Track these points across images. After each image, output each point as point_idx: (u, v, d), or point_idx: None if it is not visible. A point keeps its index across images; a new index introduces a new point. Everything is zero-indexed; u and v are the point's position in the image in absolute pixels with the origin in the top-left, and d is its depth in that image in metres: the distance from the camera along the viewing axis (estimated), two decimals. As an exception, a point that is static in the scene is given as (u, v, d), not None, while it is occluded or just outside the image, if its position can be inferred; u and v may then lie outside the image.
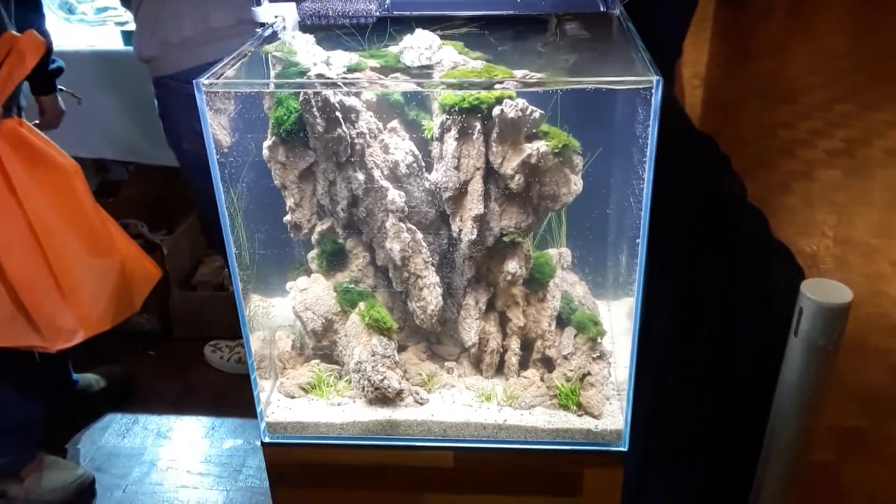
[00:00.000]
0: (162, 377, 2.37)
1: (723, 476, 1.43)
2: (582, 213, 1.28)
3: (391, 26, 1.27)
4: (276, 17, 1.30)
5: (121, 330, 2.42)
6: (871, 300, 2.61)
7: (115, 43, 2.46)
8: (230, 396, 2.23)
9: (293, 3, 1.33)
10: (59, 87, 1.91)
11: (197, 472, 1.99)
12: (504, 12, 1.37)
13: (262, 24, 1.30)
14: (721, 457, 1.41)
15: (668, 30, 2.87)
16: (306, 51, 1.14)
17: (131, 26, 2.17)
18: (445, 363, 1.31)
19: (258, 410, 1.25)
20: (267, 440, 1.26)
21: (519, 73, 1.06)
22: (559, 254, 1.32)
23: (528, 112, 1.06)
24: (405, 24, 1.24)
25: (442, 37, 1.20)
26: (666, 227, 1.42)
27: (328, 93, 1.08)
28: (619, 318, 1.37)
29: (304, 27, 1.32)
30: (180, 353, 2.47)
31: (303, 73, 1.09)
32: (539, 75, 1.06)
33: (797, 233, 3.05)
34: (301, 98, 1.09)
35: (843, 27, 5.74)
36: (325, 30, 1.30)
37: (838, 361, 1.99)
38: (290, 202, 1.20)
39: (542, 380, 1.26)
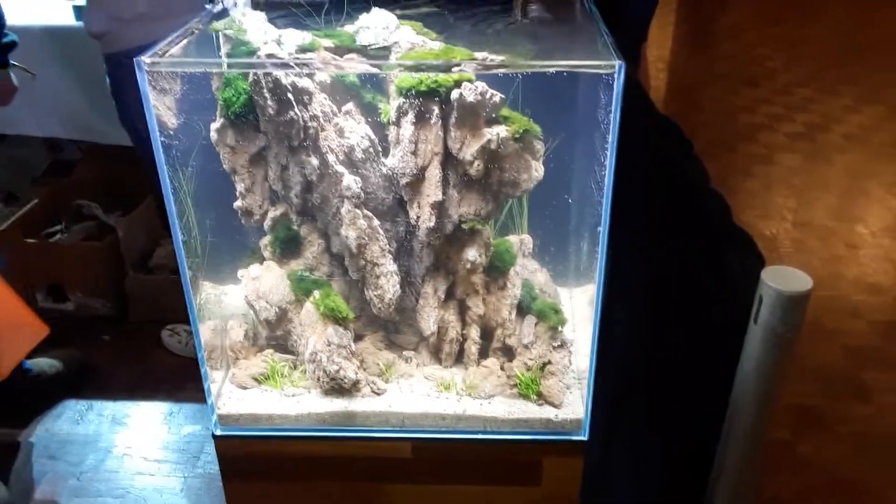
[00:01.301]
0: (118, 362, 2.31)
1: (684, 458, 1.43)
2: (544, 199, 1.26)
3: (348, 5, 1.22)
4: (225, -7, 1.24)
5: (76, 315, 2.35)
6: (828, 282, 2.65)
7: (66, 18, 2.36)
8: (188, 381, 2.18)
9: (245, -21, 1.28)
10: (12, 62, 1.82)
11: (154, 458, 1.94)
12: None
13: (213, 1, 1.25)
14: (683, 440, 1.41)
15: (635, 13, 2.86)
16: (257, 29, 1.09)
17: (82, 0, 2.09)
18: (404, 353, 1.28)
19: (209, 402, 1.21)
20: (219, 433, 1.22)
21: (479, 56, 1.03)
22: (520, 241, 1.30)
23: (487, 96, 1.03)
24: (362, 4, 1.19)
25: (400, 17, 1.16)
26: (629, 213, 1.41)
27: (279, 74, 1.04)
28: (580, 306, 1.36)
29: (256, 5, 1.26)
30: (137, 337, 2.41)
31: (252, 52, 1.04)
32: (500, 58, 1.02)
33: (757, 216, 3.07)
34: (251, 79, 1.04)
35: (802, 12, 5.80)
36: (279, 8, 1.25)
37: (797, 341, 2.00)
38: (240, 187, 1.15)
39: (502, 369, 1.24)
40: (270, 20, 1.15)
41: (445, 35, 1.14)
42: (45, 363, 2.15)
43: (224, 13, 1.20)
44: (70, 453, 1.95)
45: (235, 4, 1.25)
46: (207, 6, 1.23)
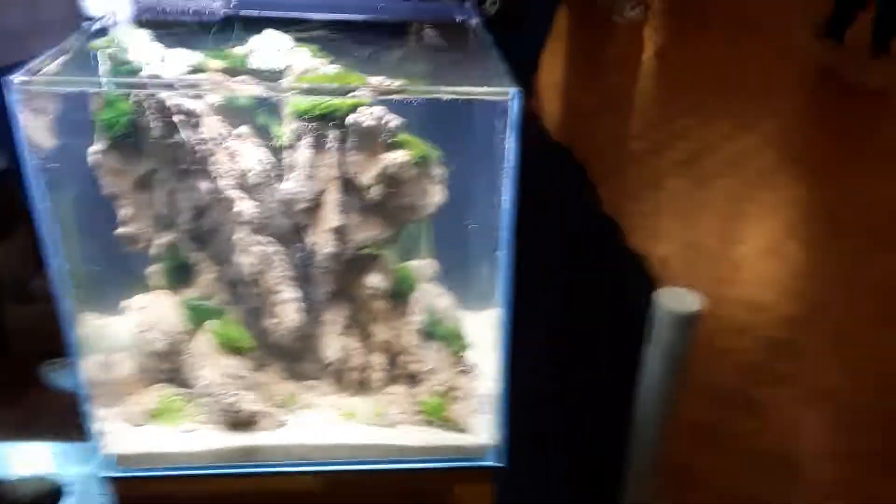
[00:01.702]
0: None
1: (590, 479, 1.45)
2: (446, 223, 1.26)
3: (238, 27, 1.19)
4: (106, 10, 1.18)
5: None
6: (715, 303, 2.77)
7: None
8: (77, 419, 2.04)
9: (127, -3, 1.22)
10: None
11: None
12: (361, 17, 1.32)
13: (91, 18, 1.18)
14: (589, 461, 1.43)
15: (527, 43, 2.95)
16: (140, 48, 1.04)
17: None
18: (306, 382, 1.23)
19: (96, 444, 1.13)
20: (110, 474, 1.14)
21: (375, 80, 1.02)
22: (424, 265, 1.29)
23: (384, 121, 1.02)
24: (254, 25, 1.17)
25: (294, 39, 1.14)
26: (526, 237, 1.42)
27: (165, 95, 0.99)
28: (485, 330, 1.35)
29: (139, 23, 1.21)
30: (17, 373, 2.24)
31: (135, 71, 0.99)
32: (397, 82, 1.02)
33: (647, 238, 3.20)
34: (132, 99, 0.99)
35: (682, 47, 6.16)
36: (164, 27, 1.20)
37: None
38: (123, 213, 1.09)
39: (407, 396, 1.22)
40: (159, 40, 1.11)
41: (341, 59, 1.13)
42: None
43: (102, 32, 1.14)
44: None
45: (115, 23, 1.19)
46: (85, 24, 1.17)
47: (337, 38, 1.22)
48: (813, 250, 3.16)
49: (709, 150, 4.01)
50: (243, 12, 1.26)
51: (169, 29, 1.18)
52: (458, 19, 1.34)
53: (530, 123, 1.53)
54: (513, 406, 1.20)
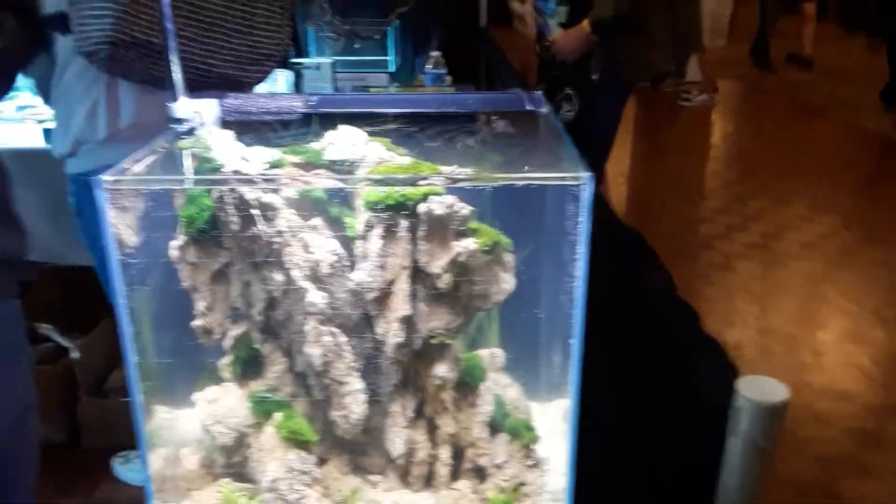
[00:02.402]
0: (67, 492, 2.17)
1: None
2: (514, 311, 1.24)
3: (316, 123, 1.23)
4: (194, 112, 1.25)
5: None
6: (797, 390, 2.64)
7: (35, 140, 2.38)
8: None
9: (214, 99, 1.29)
10: None
11: None
12: (431, 111, 1.36)
13: (180, 121, 1.25)
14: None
15: (600, 132, 3.04)
16: (222, 146, 1.08)
17: (52, 124, 2.11)
18: (370, 476, 1.20)
19: (159, 539, 1.12)
20: (170, 573, 1.12)
21: (447, 170, 1.03)
22: (491, 355, 1.27)
23: (455, 209, 1.03)
24: (330, 122, 1.21)
25: (368, 133, 1.18)
26: (599, 324, 1.39)
27: (244, 189, 1.02)
28: (553, 421, 1.31)
29: (225, 124, 1.27)
30: (89, 465, 2.28)
31: (217, 168, 1.03)
32: (468, 171, 1.03)
33: (720, 323, 3.10)
34: (214, 195, 1.03)
35: (751, 130, 6.12)
36: (248, 127, 1.26)
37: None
38: (200, 306, 1.11)
39: (474, 492, 1.18)
40: (238, 139, 1.16)
41: (414, 151, 1.15)
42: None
43: (191, 132, 1.20)
44: None
45: (203, 124, 1.25)
46: (174, 126, 1.23)
47: (409, 130, 1.25)
48: (898, 335, 2.99)
49: (783, 231, 3.91)
50: (321, 110, 1.31)
51: (252, 128, 1.24)
52: (527, 108, 1.36)
53: (601, 209, 1.53)
54: (586, 498, 1.15)
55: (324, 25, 3.32)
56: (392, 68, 3.35)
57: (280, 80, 3.05)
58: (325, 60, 3.08)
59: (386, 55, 3.31)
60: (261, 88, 2.76)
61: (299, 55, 3.32)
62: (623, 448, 1.40)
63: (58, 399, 2.31)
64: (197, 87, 1.31)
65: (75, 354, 2.30)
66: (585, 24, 2.81)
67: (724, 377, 1.16)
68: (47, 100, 1.99)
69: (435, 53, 3.09)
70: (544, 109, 1.29)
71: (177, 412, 1.28)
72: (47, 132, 2.29)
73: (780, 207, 4.19)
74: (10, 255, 1.22)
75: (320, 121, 1.24)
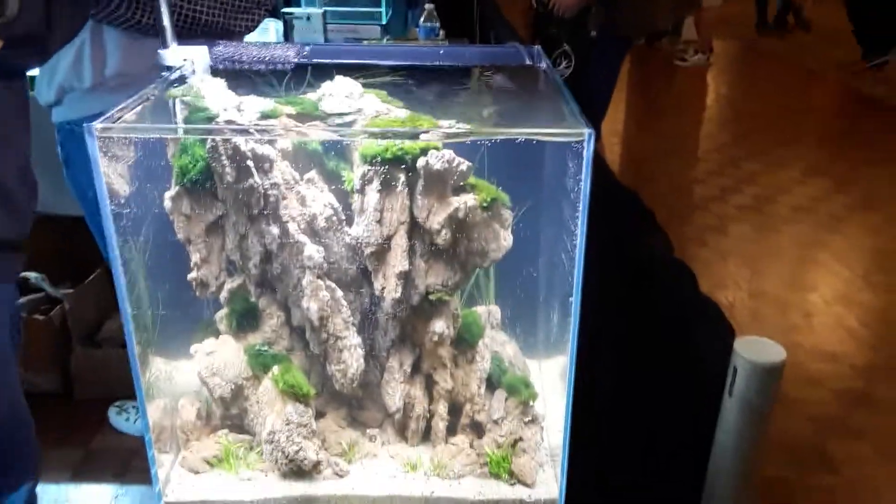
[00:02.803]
0: (62, 442, 2.17)
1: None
2: (511, 268, 1.23)
3: (310, 74, 1.20)
4: (184, 60, 1.21)
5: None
6: (787, 352, 2.67)
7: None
8: (137, 462, 2.06)
9: (204, 47, 1.25)
10: None
11: None
12: (428, 63, 1.33)
13: (170, 68, 1.22)
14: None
15: (598, 86, 3.00)
16: (215, 95, 1.06)
17: (37, 71, 2.06)
18: (368, 430, 1.21)
19: (156, 490, 1.12)
20: (168, 522, 1.13)
21: (445, 124, 1.01)
22: (488, 312, 1.26)
23: (454, 164, 1.01)
24: (325, 73, 1.18)
25: (364, 85, 1.15)
26: (597, 282, 1.38)
27: (239, 140, 1.00)
28: (551, 379, 1.31)
29: (215, 72, 1.24)
30: (82, 415, 2.28)
31: (210, 118, 1.01)
32: (466, 126, 1.01)
33: (713, 285, 3.11)
34: (208, 145, 1.01)
35: (748, 89, 6.07)
36: (240, 76, 1.22)
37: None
38: (195, 258, 1.09)
39: (471, 446, 1.18)
40: (234, 89, 1.13)
41: (411, 104, 1.13)
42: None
43: (182, 80, 1.17)
44: (9, 539, 1.80)
45: (194, 72, 1.22)
46: (164, 74, 1.20)
47: (405, 83, 1.23)
48: (888, 299, 3.01)
49: (776, 194, 3.90)
50: (315, 60, 1.28)
51: (244, 78, 1.21)
52: (527, 62, 1.33)
53: (598, 168, 1.51)
54: (582, 457, 1.15)
55: (316, -25, 3.25)
56: (384, 20, 3.28)
57: (271, 30, 2.98)
58: (316, 11, 3.01)
59: (378, 6, 3.24)
60: (251, 38, 2.70)
61: (289, 4, 3.25)
62: (621, 407, 1.40)
63: (50, 350, 2.30)
64: (184, 35, 1.28)
65: (67, 305, 2.29)
66: None
67: (722, 338, 1.17)
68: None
69: (428, 6, 3.03)
70: (543, 64, 1.27)
71: (175, 363, 1.27)
72: (31, 79, 2.24)
73: (774, 170, 4.18)
74: (8, 241, 1.20)
75: (315, 72, 1.21)
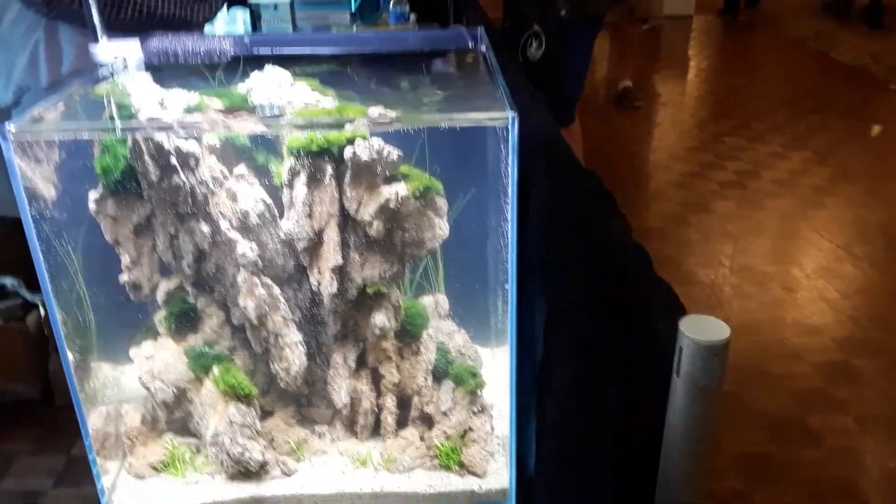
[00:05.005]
0: (43, 449, 2.15)
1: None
2: (461, 256, 1.21)
3: (248, 65, 1.17)
4: (115, 57, 1.18)
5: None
6: (769, 326, 2.65)
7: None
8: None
9: (136, 41, 1.22)
10: None
11: None
12: (370, 50, 1.30)
13: (101, 65, 1.19)
14: (619, 499, 1.34)
15: (570, 66, 2.96)
16: (140, 91, 1.03)
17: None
18: (317, 427, 1.19)
19: (102, 498, 1.10)
20: (114, 529, 1.11)
21: (373, 111, 0.98)
22: (435, 301, 1.24)
23: (384, 153, 0.98)
24: (264, 64, 1.15)
25: (301, 74, 1.12)
26: (553, 268, 1.36)
27: (161, 137, 0.98)
28: (503, 367, 1.29)
29: (151, 68, 1.21)
30: (63, 421, 2.26)
31: (132, 115, 0.98)
32: (394, 114, 0.98)
33: (696, 263, 3.09)
34: (129, 144, 0.98)
35: (727, 64, 6.01)
36: (174, 70, 1.20)
37: (741, 388, 1.96)
38: (125, 259, 1.07)
39: (421, 439, 1.17)
40: (163, 83, 1.10)
41: (344, 93, 1.10)
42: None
43: (110, 77, 1.14)
44: (-11, 547, 1.79)
45: (125, 67, 1.19)
46: (98, 70, 1.17)
47: (343, 71, 1.20)
48: (869, 270, 3.00)
49: (758, 169, 3.87)
50: (255, 52, 1.24)
51: (178, 71, 1.18)
52: (469, 46, 1.30)
53: (557, 151, 1.48)
54: (537, 441, 1.14)
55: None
56: (353, 7, 3.24)
57: (238, 20, 2.94)
58: (283, 0, 2.97)
59: (347, -8, 3.18)
60: (218, 28, 2.66)
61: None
62: (578, 393, 1.38)
63: (28, 356, 2.28)
64: (142, 27, 1.24)
65: (44, 310, 2.27)
66: None
67: (673, 318, 1.14)
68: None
69: (397, -10, 2.98)
70: (483, 46, 1.24)
71: (122, 368, 1.25)
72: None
73: (754, 145, 4.14)
74: None
75: (255, 63, 1.18)
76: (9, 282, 2.41)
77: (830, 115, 4.63)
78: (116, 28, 1.34)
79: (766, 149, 4.11)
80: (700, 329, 1.05)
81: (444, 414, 1.15)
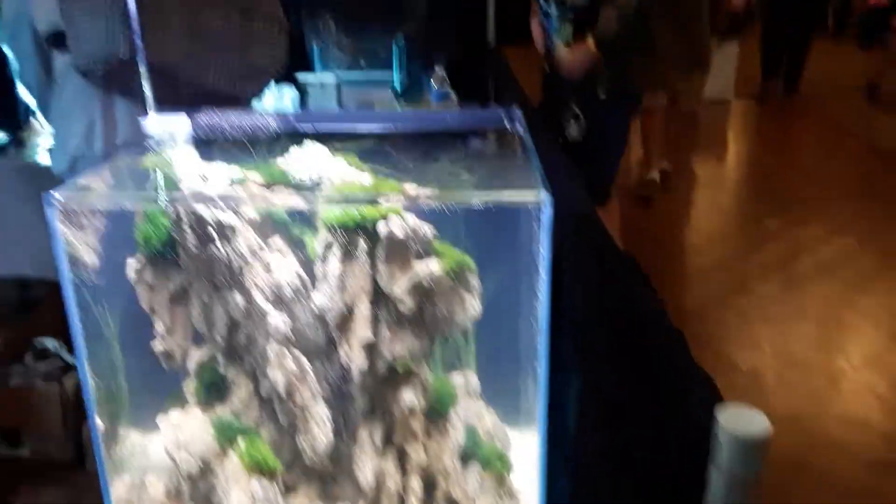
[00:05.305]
0: (74, 512, 2.14)
1: None
2: (493, 334, 1.20)
3: (291, 141, 1.21)
4: (163, 130, 1.23)
5: (27, 460, 2.21)
6: (813, 417, 2.56)
7: (43, 157, 2.40)
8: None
9: (184, 115, 1.27)
10: None
11: None
12: (409, 128, 1.33)
13: (151, 137, 1.23)
14: None
15: (607, 146, 2.99)
16: (184, 164, 1.06)
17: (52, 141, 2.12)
18: (340, 506, 1.16)
19: (119, 570, 1.08)
20: None
21: (410, 189, 1.00)
22: (465, 380, 1.22)
23: (418, 230, 0.99)
24: (303, 140, 1.18)
25: (339, 150, 1.15)
26: (586, 350, 1.34)
27: (201, 209, 1.00)
28: (532, 450, 1.26)
29: (198, 142, 1.25)
30: (95, 485, 2.25)
31: (175, 187, 1.01)
32: (427, 191, 0.99)
33: (735, 347, 3.02)
34: (171, 214, 1.00)
35: (766, 146, 6.01)
36: (220, 145, 1.24)
37: (784, 481, 1.88)
38: (160, 328, 1.08)
39: (446, 524, 1.13)
40: (208, 157, 1.13)
41: (383, 169, 1.12)
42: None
43: (158, 150, 1.18)
44: None
45: (173, 141, 1.24)
46: (144, 142, 1.22)
47: (379, 148, 1.22)
48: (920, 362, 2.89)
49: (798, 253, 3.81)
50: (299, 128, 1.28)
51: (224, 146, 1.22)
52: (507, 125, 1.33)
53: (594, 233, 1.48)
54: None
55: (330, 43, 3.33)
56: (397, 85, 3.34)
57: (286, 98, 3.05)
58: (329, 80, 3.08)
59: (391, 72, 3.30)
60: (266, 104, 2.76)
61: (305, 67, 3.32)
62: (610, 479, 1.34)
63: (64, 418, 2.30)
64: (192, 103, 1.30)
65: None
66: (591, 41, 2.78)
67: (709, 408, 1.11)
68: (47, 117, 2.01)
69: (438, 71, 3.07)
70: (520, 127, 1.26)
71: (150, 436, 1.25)
72: (51, 151, 2.32)
73: (794, 228, 4.09)
74: None
75: (297, 139, 1.21)
76: (50, 344, 2.46)
77: (872, 201, 4.57)
78: (168, 103, 1.41)
79: (807, 232, 4.05)
80: (739, 421, 1.01)
81: (472, 499, 1.11)
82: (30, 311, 2.61)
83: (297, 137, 1.21)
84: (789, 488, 2.08)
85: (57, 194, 0.92)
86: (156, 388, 1.21)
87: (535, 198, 0.89)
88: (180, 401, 1.18)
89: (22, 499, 2.07)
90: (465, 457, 1.15)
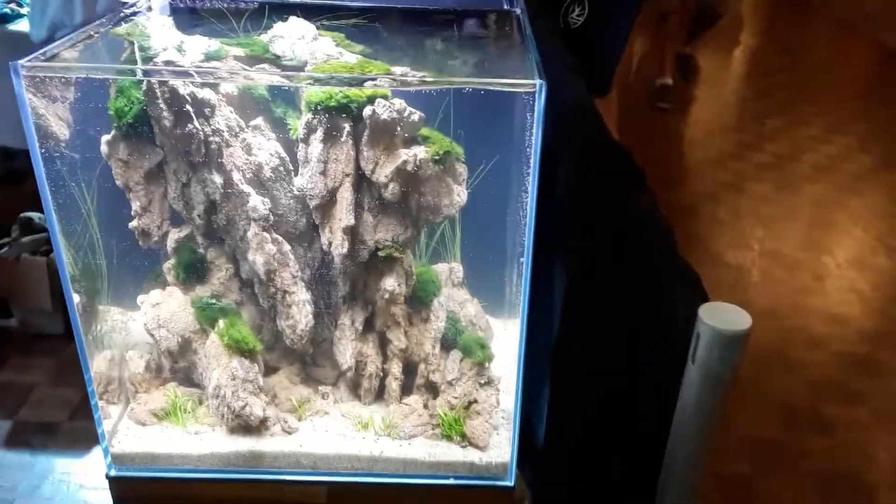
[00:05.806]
0: (60, 382, 2.18)
1: (624, 497, 1.34)
2: (479, 224, 1.18)
3: (274, 14, 1.14)
4: (143, -2, 1.16)
5: (19, 331, 2.23)
6: (793, 313, 2.59)
7: (23, 25, 2.28)
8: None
9: (165, -17, 1.19)
10: None
11: (92, 486, 1.81)
12: (401, 6, 1.25)
13: (127, 4, 1.16)
14: (622, 478, 1.33)
15: (611, 34, 2.86)
16: (159, 34, 1.00)
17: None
18: (320, 388, 1.18)
19: (102, 442, 1.11)
20: (113, 473, 1.12)
21: (398, 71, 0.95)
22: (450, 269, 1.21)
23: (404, 114, 0.95)
24: (290, 13, 1.11)
25: (326, 27, 1.08)
26: (573, 242, 1.32)
27: (177, 83, 0.95)
28: (514, 339, 1.27)
29: (175, 11, 1.18)
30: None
31: (150, 58, 0.95)
32: (420, 74, 0.94)
33: (725, 244, 3.01)
34: (144, 87, 0.95)
35: (776, 42, 5.82)
36: (199, 14, 1.16)
37: (758, 373, 1.91)
38: (135, 206, 1.05)
39: (424, 407, 1.15)
40: (187, 28, 1.07)
41: (372, 49, 1.06)
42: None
43: (132, 18, 1.11)
44: (2, 477, 1.82)
45: (150, 9, 1.16)
46: (123, 10, 1.14)
47: (372, 27, 1.15)
48: (900, 263, 2.90)
49: (798, 153, 3.75)
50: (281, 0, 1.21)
51: (203, 16, 1.15)
52: (505, 7, 1.25)
53: (590, 124, 1.43)
54: (547, 418, 1.12)
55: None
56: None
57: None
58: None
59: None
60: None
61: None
62: (589, 371, 1.36)
63: (52, 289, 2.31)
64: None
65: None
66: None
67: (693, 305, 1.11)
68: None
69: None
70: (518, 9, 1.18)
71: (130, 314, 1.25)
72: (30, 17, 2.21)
73: (796, 127, 4.01)
74: None
75: (279, 13, 1.14)
76: (36, 216, 2.43)
77: (877, 101, 4.46)
78: None
79: (808, 132, 3.98)
80: (720, 317, 1.01)
81: (450, 384, 1.13)
82: (17, 183, 2.57)
83: (283, 10, 1.14)
84: (763, 379, 2.13)
85: (23, 62, 0.87)
86: (135, 268, 1.20)
87: (530, 84, 0.84)
88: (160, 280, 1.17)
89: (11, 366, 2.10)
90: (447, 344, 1.16)
